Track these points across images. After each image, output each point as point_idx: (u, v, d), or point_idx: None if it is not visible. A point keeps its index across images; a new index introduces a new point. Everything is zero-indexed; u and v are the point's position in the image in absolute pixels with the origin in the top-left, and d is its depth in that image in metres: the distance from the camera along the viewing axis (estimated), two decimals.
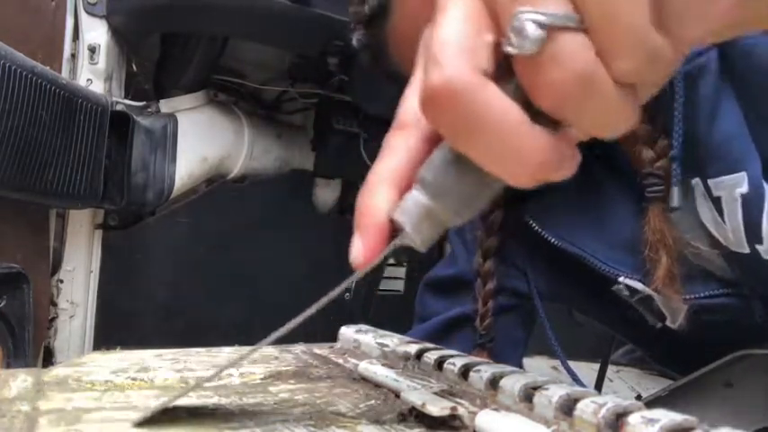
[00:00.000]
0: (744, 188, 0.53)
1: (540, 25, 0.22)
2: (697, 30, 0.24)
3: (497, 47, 0.24)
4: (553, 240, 0.64)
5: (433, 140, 0.27)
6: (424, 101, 0.24)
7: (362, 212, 0.27)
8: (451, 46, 0.24)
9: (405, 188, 0.27)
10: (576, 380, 0.72)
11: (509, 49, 0.23)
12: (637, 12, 0.22)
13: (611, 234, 0.62)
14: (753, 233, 0.54)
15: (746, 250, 0.54)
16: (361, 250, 0.27)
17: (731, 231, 0.54)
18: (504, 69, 0.24)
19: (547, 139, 0.24)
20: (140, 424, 0.29)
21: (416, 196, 0.26)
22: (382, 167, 0.28)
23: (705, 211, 0.56)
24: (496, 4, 0.24)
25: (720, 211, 0.55)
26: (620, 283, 0.62)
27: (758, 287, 0.59)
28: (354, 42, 0.60)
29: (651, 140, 0.56)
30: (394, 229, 0.27)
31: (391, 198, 0.27)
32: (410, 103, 0.28)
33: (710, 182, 0.54)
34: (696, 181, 0.56)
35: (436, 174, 0.26)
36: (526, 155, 0.24)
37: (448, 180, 0.26)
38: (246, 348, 0.46)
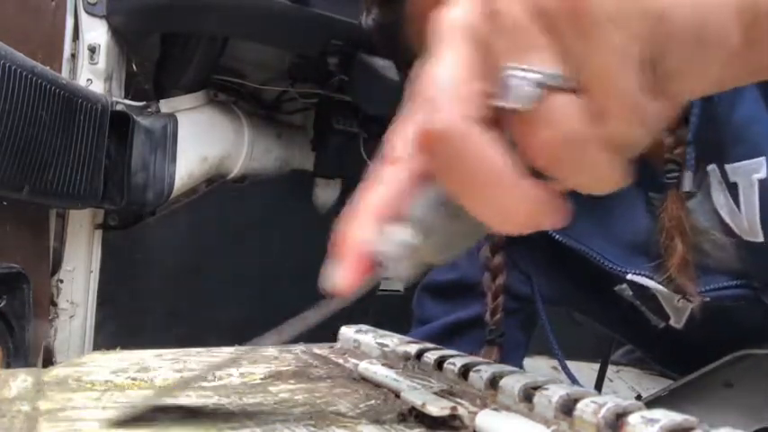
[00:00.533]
0: (762, 173, 0.52)
1: (533, 83, 0.22)
2: (691, 89, 0.24)
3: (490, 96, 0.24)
4: (559, 238, 0.64)
5: (423, 177, 0.27)
6: (419, 142, 0.25)
7: (347, 243, 0.28)
8: (448, 91, 0.24)
9: (389, 221, 0.27)
10: (575, 383, 0.71)
11: (499, 103, 0.23)
12: (630, 76, 0.22)
13: (618, 232, 0.62)
14: None
15: (760, 239, 0.54)
16: (343, 280, 0.27)
17: (746, 219, 0.54)
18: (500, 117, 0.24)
19: (534, 193, 0.24)
20: (125, 422, 0.29)
21: (402, 232, 0.27)
22: (369, 200, 0.28)
23: (720, 198, 0.56)
24: (490, 55, 0.24)
25: (736, 198, 0.54)
26: (626, 280, 0.62)
27: None
28: (366, 23, 0.59)
29: (671, 126, 0.55)
30: (375, 261, 0.27)
31: (376, 230, 0.27)
32: (401, 137, 0.28)
33: (728, 167, 0.54)
34: (712, 167, 0.55)
35: (424, 212, 0.26)
36: (513, 207, 0.24)
37: (435, 219, 0.26)
38: (246, 348, 0.46)
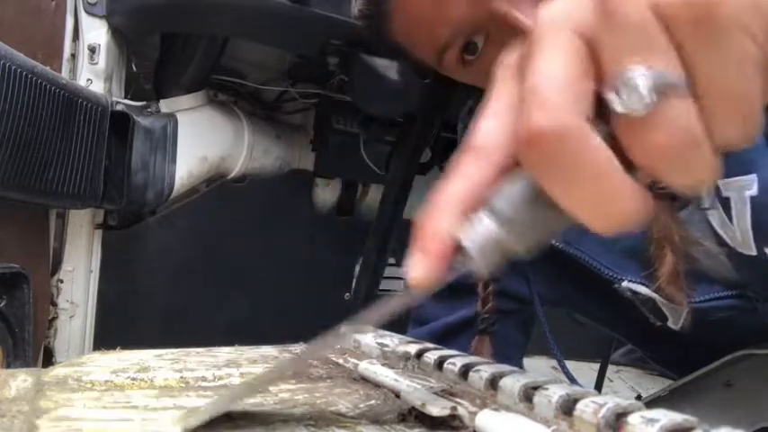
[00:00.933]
0: (753, 191, 0.52)
1: (651, 86, 0.22)
2: None
3: (595, 93, 0.24)
4: (555, 243, 0.64)
5: (507, 169, 0.27)
6: (524, 139, 0.24)
7: (428, 234, 0.27)
8: (559, 88, 0.24)
9: (469, 213, 0.27)
10: (573, 383, 0.71)
11: (614, 106, 0.23)
12: (754, 84, 0.22)
13: (614, 238, 0.62)
14: (762, 236, 0.53)
15: (753, 252, 0.54)
16: (424, 271, 0.27)
17: (739, 232, 0.54)
18: (596, 113, 0.24)
19: (638, 191, 0.24)
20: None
21: (488, 224, 0.26)
22: (451, 190, 0.27)
23: (712, 211, 0.56)
24: (603, 52, 0.23)
25: (729, 212, 0.54)
26: (621, 285, 0.62)
27: (764, 289, 0.58)
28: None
29: None
30: (458, 252, 0.27)
31: (456, 222, 0.27)
32: (486, 128, 0.27)
33: (720, 182, 0.54)
34: None
35: (512, 205, 0.26)
36: (618, 206, 0.24)
37: (523, 213, 0.26)
38: (246, 348, 0.46)
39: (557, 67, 0.24)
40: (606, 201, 0.24)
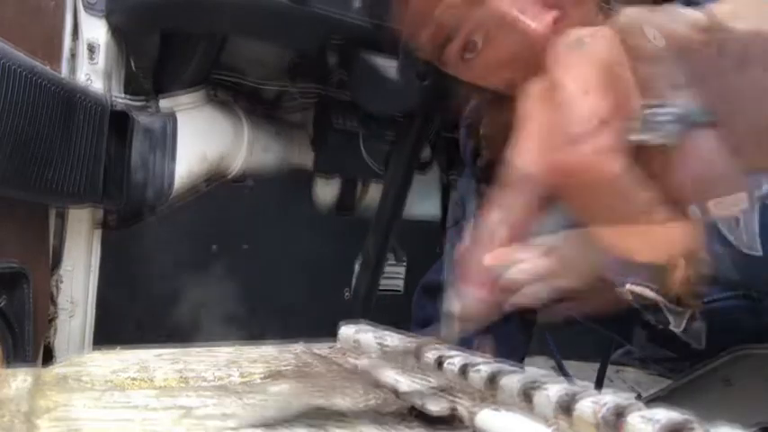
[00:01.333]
0: (762, 190, 0.52)
1: (678, 119, 0.23)
2: None
3: (623, 128, 0.24)
4: None
5: (546, 201, 0.27)
6: (557, 171, 0.25)
7: (475, 267, 0.28)
8: (589, 123, 0.24)
9: (513, 245, 0.27)
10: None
11: (642, 137, 0.24)
12: None
13: None
14: None
15: (759, 253, 0.54)
16: (471, 304, 0.28)
17: (745, 233, 0.54)
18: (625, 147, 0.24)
19: (672, 222, 0.24)
20: None
21: (535, 257, 0.27)
22: (494, 224, 0.28)
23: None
24: (624, 92, 0.24)
25: None
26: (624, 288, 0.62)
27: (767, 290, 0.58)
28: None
29: None
30: (505, 285, 0.27)
31: (504, 255, 0.27)
32: (521, 164, 0.28)
33: None
34: None
35: (553, 237, 0.27)
36: (651, 238, 0.25)
37: (567, 245, 0.26)
38: (246, 348, 0.46)
39: (582, 103, 0.25)
40: (636, 232, 0.25)
